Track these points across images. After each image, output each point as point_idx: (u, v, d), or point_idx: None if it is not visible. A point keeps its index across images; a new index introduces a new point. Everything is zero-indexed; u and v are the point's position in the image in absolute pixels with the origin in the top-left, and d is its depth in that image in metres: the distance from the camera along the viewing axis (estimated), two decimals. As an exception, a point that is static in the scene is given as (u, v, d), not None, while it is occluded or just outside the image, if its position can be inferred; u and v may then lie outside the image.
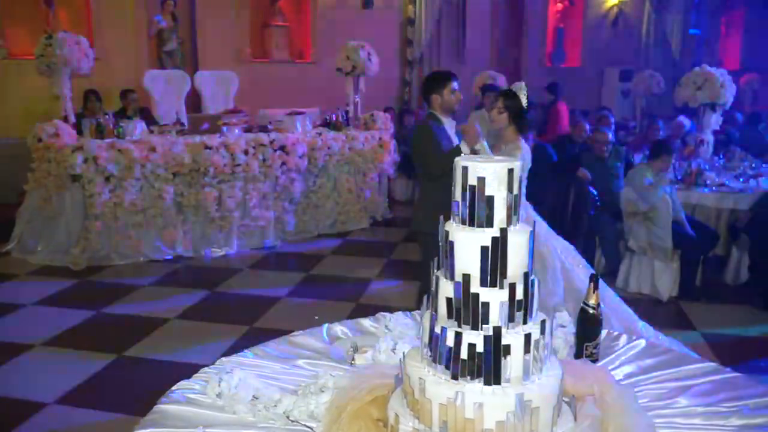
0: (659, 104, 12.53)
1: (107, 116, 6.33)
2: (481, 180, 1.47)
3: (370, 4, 10.05)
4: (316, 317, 4.71)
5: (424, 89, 3.84)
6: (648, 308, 4.98)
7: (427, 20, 10.69)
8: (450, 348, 1.48)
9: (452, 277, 1.51)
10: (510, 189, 1.48)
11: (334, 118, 7.35)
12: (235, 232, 6.38)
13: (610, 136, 5.72)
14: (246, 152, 6.27)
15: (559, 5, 12.85)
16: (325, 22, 9.86)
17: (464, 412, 1.43)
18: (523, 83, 3.84)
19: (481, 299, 1.47)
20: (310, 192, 6.84)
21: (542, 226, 3.98)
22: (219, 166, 6.09)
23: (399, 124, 8.48)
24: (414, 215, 3.97)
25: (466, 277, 1.47)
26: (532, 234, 1.52)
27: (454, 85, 3.76)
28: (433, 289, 1.57)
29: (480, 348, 1.45)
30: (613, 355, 2.20)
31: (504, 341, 1.45)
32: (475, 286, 1.48)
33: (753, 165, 6.38)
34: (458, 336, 1.47)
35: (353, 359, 2.13)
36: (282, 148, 6.49)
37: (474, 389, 1.45)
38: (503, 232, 1.46)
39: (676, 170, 5.77)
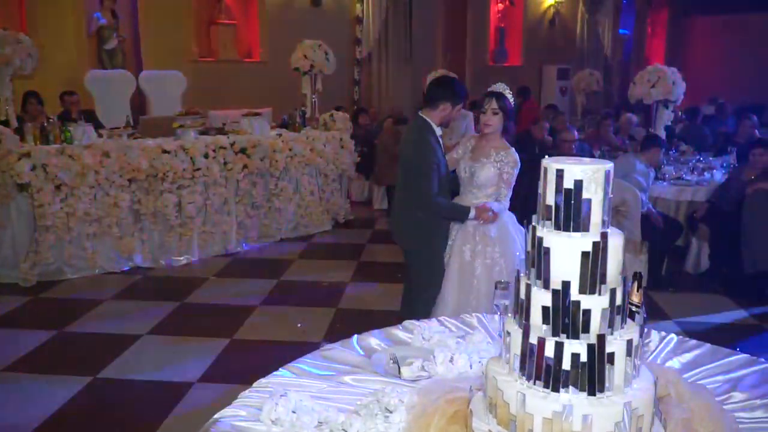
0: (596, 101, 12.99)
1: (51, 120, 5.93)
2: (579, 183, 1.41)
3: (319, 2, 9.88)
4: (299, 325, 4.59)
5: (436, 92, 3.46)
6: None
7: (374, 19, 10.63)
8: (550, 359, 1.41)
9: (547, 285, 1.45)
10: (606, 192, 1.43)
11: (292, 119, 7.16)
12: (196, 239, 6.11)
13: (576, 134, 5.84)
14: (206, 156, 6.01)
15: (500, 5, 13.07)
16: (273, 20, 9.62)
17: (572, 425, 1.37)
18: (503, 83, 3.78)
19: (582, 306, 1.41)
20: (272, 195, 6.64)
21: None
22: (178, 170, 5.82)
23: (354, 124, 8.34)
24: (401, 229, 3.60)
25: (566, 285, 1.41)
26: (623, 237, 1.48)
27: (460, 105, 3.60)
28: (522, 297, 1.50)
29: (584, 357, 1.39)
30: (653, 354, 2.21)
31: (608, 349, 1.40)
32: (574, 294, 1.42)
33: (701, 158, 6.68)
34: (559, 346, 1.40)
35: (399, 371, 2.04)
36: (243, 150, 6.27)
37: (581, 401, 1.39)
38: (604, 236, 1.41)
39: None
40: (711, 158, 6.76)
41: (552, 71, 13.62)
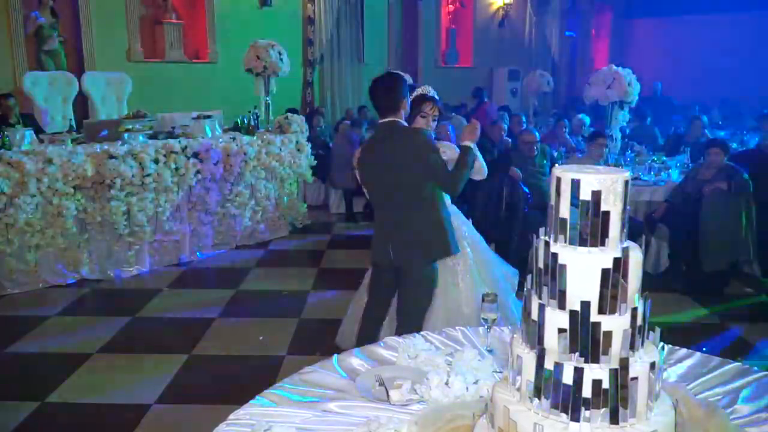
0: (546, 102, 13.16)
1: (-14, 125, 5.56)
2: (597, 194, 1.30)
3: (269, 2, 9.64)
4: (261, 338, 4.39)
5: (394, 92, 3.16)
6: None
7: (326, 20, 10.44)
8: (569, 386, 1.30)
9: (563, 305, 1.34)
10: (625, 203, 1.33)
11: (245, 122, 6.92)
12: (147, 248, 5.82)
13: (537, 135, 5.83)
14: (156, 161, 5.72)
15: (451, 7, 13.08)
16: (222, 20, 9.32)
17: (595, 458, 1.27)
18: (428, 86, 3.73)
19: (603, 328, 1.31)
20: (227, 201, 6.39)
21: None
22: (127, 177, 5.51)
23: (309, 126, 8.15)
24: (405, 247, 3.19)
25: (585, 305, 1.30)
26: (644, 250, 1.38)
27: None
28: (533, 318, 1.38)
29: (606, 384, 1.29)
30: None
31: (631, 373, 1.30)
32: (593, 314, 1.31)
33: (654, 158, 6.77)
34: (579, 371, 1.29)
35: (388, 395, 1.90)
36: (195, 155, 6.00)
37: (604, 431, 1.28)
38: (626, 251, 1.31)
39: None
40: (665, 158, 6.87)
41: (503, 73, 13.72)
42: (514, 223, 5.45)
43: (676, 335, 4.39)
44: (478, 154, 3.41)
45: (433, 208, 3.21)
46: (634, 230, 5.55)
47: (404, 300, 3.30)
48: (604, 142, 5.74)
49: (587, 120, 8.40)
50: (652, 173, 6.15)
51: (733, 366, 2.13)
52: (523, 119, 7.53)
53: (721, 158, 5.37)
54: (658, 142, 8.43)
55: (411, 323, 3.10)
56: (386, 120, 3.21)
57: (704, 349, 4.27)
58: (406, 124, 3.23)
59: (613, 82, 6.42)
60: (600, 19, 17.58)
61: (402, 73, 3.66)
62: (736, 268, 5.28)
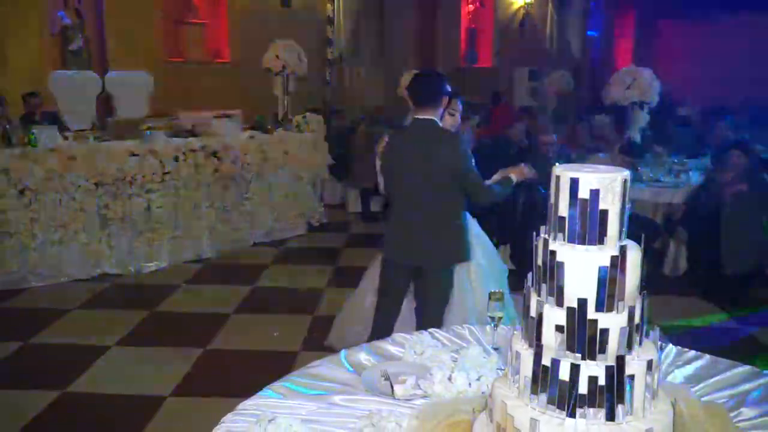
0: (566, 103, 13.04)
1: (12, 122, 5.70)
2: (595, 193, 1.32)
3: (289, 2, 9.72)
4: (275, 334, 4.44)
5: (436, 87, 3.10)
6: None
7: (345, 19, 10.50)
8: (565, 382, 1.32)
9: (561, 303, 1.35)
10: (624, 202, 1.35)
11: (264, 121, 6.99)
12: (166, 244, 5.91)
13: (555, 137, 5.81)
14: (176, 159, 5.82)
15: (471, 6, 13.05)
16: (243, 20, 9.42)
17: (591, 454, 1.28)
18: None
19: (600, 326, 1.32)
20: (245, 199, 6.47)
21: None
22: (147, 174, 5.62)
23: (328, 126, 8.20)
24: (431, 248, 3.15)
25: (582, 302, 1.32)
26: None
27: None
28: (532, 315, 1.40)
29: (602, 381, 1.30)
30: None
31: (628, 371, 1.31)
32: (591, 312, 1.33)
33: (676, 160, 6.69)
34: (575, 368, 1.31)
35: (392, 390, 1.92)
36: (214, 153, 6.09)
37: (599, 428, 1.30)
38: (623, 249, 1.32)
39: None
40: (686, 160, 6.79)
41: (523, 73, 13.64)
42: (531, 224, 5.43)
43: (693, 339, 4.37)
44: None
45: (456, 214, 3.21)
46: (652, 233, 5.53)
47: (423, 301, 3.29)
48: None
49: (607, 120, 8.31)
50: (672, 175, 6.09)
51: (743, 369, 2.12)
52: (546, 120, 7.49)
53: (742, 161, 5.29)
54: (678, 144, 8.32)
55: (431, 324, 3.10)
56: (424, 117, 3.11)
57: (720, 353, 4.23)
58: (443, 126, 3.15)
59: (633, 82, 6.37)
60: (623, 19, 17.40)
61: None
62: (759, 272, 5.20)
